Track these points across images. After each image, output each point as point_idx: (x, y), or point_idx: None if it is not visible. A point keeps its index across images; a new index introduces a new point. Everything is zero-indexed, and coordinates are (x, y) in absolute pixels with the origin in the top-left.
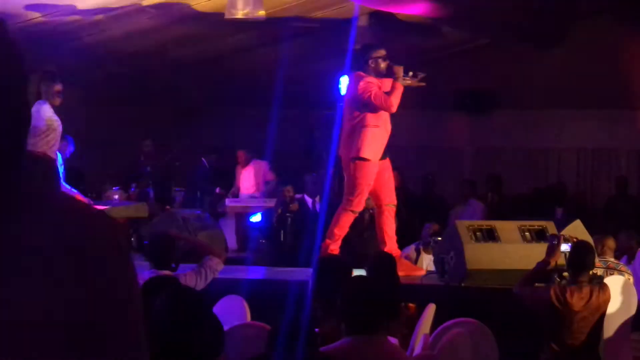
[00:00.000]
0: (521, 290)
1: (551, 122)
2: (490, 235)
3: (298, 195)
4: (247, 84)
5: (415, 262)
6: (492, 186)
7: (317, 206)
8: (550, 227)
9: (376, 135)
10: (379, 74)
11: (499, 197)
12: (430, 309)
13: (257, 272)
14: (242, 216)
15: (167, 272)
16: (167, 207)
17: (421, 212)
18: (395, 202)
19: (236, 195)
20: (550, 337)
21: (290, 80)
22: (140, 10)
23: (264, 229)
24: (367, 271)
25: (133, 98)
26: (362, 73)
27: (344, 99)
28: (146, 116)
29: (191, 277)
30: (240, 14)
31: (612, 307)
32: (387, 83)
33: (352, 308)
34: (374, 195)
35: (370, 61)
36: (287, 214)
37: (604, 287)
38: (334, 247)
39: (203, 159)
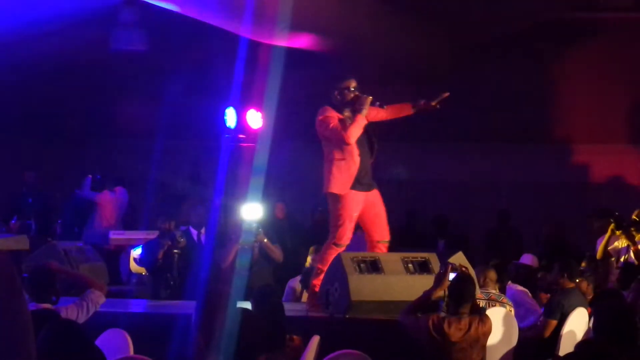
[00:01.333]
0: (405, 318)
1: (434, 155)
2: (374, 267)
3: (183, 227)
4: (132, 115)
5: (301, 294)
6: None
7: (202, 238)
8: (433, 259)
9: (341, 168)
10: (346, 105)
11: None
12: (315, 341)
13: (140, 306)
14: (124, 249)
15: (47, 305)
16: (49, 239)
17: (309, 243)
18: (387, 238)
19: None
20: None
21: (176, 111)
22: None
23: (146, 262)
24: (252, 304)
25: (16, 128)
26: (326, 107)
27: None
28: (29, 147)
29: (72, 310)
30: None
31: (494, 338)
32: (373, 112)
33: (230, 340)
34: (366, 232)
35: (336, 92)
36: (175, 250)
37: (484, 319)
38: (318, 283)
39: (76, 190)
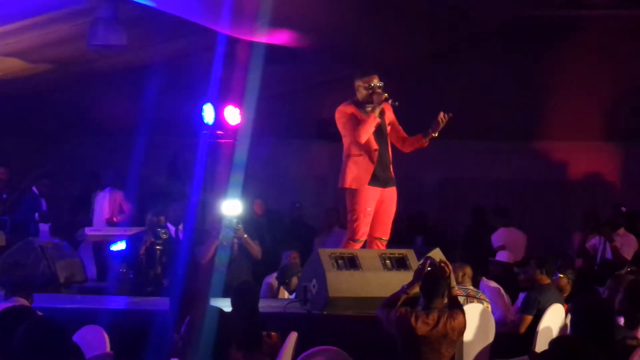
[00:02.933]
0: (380, 312)
1: (413, 152)
2: (351, 263)
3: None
4: (111, 111)
5: (277, 290)
6: None
7: (180, 234)
8: (410, 256)
9: (359, 163)
10: (367, 101)
11: None
12: (292, 337)
13: (118, 302)
14: (101, 245)
15: (24, 301)
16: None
17: (288, 240)
18: (387, 236)
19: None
20: None
21: (154, 107)
22: None
23: (127, 258)
24: (231, 301)
25: None
26: (346, 102)
27: None
28: (5, 143)
29: None
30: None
31: (471, 334)
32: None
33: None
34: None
35: (360, 87)
36: (157, 246)
37: (454, 314)
38: None
39: (33, 186)
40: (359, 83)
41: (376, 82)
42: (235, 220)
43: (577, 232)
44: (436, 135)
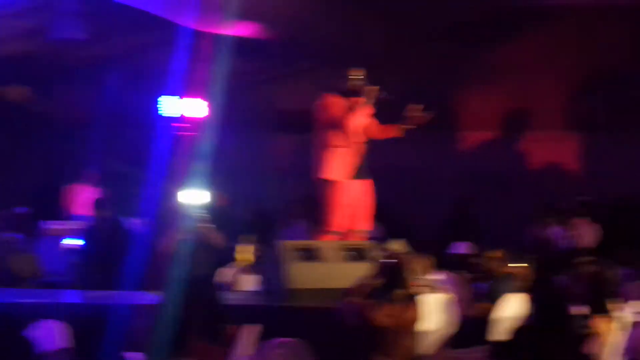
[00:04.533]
0: (341, 304)
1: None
2: (312, 255)
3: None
4: (72, 104)
5: (238, 282)
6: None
7: (141, 227)
8: (371, 247)
9: (339, 155)
10: (353, 93)
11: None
12: (254, 330)
13: (76, 296)
14: (60, 238)
15: None
16: None
17: (249, 232)
18: (365, 228)
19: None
20: (362, 354)
21: (115, 100)
22: None
23: (86, 251)
24: (189, 293)
25: None
26: (331, 92)
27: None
28: None
29: None
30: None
31: (433, 324)
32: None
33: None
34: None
35: (343, 80)
36: (117, 238)
37: (411, 305)
38: None
39: None
40: (347, 74)
41: (363, 73)
42: (198, 210)
43: (538, 222)
44: (412, 127)
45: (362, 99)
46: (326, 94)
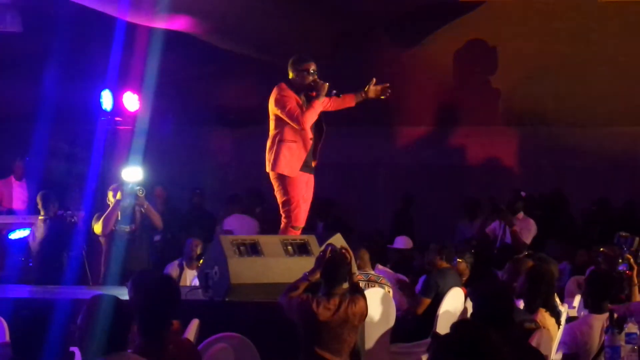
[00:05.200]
0: (282, 299)
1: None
2: (253, 250)
3: (60, 212)
4: (8, 98)
5: (179, 278)
6: (257, 201)
7: (79, 222)
8: (312, 241)
9: (292, 150)
10: (303, 87)
11: (264, 211)
12: (194, 325)
13: (17, 291)
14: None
15: None
16: None
17: (189, 227)
18: (303, 224)
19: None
20: (305, 348)
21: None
22: None
23: (27, 246)
24: (129, 289)
25: None
26: (283, 85)
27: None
28: None
29: None
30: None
31: (373, 318)
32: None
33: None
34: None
35: (294, 73)
36: (58, 233)
37: (354, 300)
38: None
39: None
40: (299, 67)
41: (314, 68)
42: (137, 187)
43: (476, 216)
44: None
45: (314, 94)
46: (280, 88)
